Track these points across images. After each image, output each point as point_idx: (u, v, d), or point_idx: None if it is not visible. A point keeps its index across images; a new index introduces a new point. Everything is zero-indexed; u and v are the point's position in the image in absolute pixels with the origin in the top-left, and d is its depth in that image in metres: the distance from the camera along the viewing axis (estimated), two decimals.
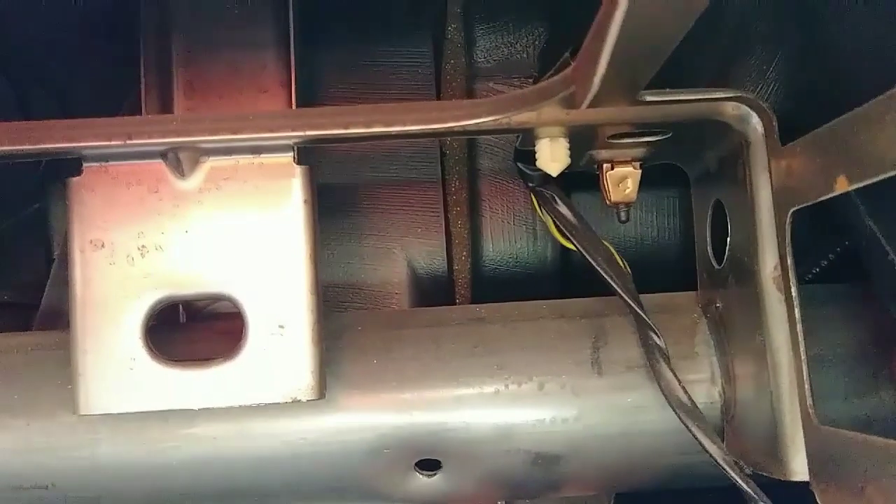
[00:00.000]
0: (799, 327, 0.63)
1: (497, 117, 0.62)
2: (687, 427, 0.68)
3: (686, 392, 0.69)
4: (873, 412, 0.73)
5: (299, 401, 0.66)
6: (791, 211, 0.62)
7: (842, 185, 0.55)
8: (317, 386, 0.66)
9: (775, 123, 0.65)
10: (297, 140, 0.65)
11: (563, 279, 0.90)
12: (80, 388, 0.66)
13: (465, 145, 0.88)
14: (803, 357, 0.62)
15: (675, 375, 0.69)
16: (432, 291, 0.87)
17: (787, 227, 0.63)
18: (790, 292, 0.63)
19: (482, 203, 0.90)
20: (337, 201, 0.86)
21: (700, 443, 0.67)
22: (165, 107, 0.79)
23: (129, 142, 0.63)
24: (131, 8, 0.81)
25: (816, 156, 0.59)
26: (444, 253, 0.87)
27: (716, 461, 0.67)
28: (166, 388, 0.66)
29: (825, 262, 0.84)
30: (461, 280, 0.88)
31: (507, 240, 0.90)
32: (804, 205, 0.61)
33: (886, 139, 0.50)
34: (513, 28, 0.89)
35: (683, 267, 0.80)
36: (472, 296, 0.88)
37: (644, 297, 0.73)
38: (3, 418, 0.71)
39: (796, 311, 0.63)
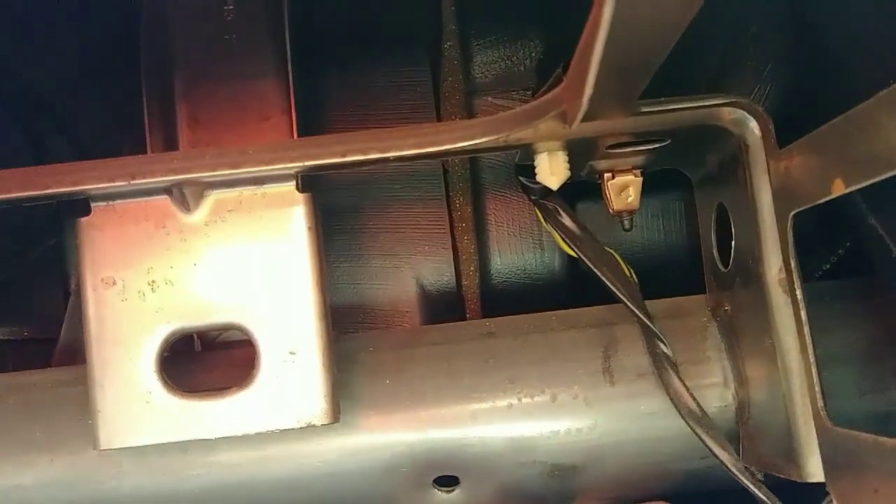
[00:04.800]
0: (807, 329, 0.63)
1: (492, 137, 0.63)
2: (697, 435, 0.68)
3: (695, 400, 0.69)
4: (890, 408, 0.72)
5: (314, 426, 0.67)
6: (792, 214, 0.62)
7: (838, 188, 0.54)
8: (330, 410, 0.67)
9: (772, 127, 0.65)
10: (296, 170, 0.66)
11: (573, 287, 0.90)
12: (100, 424, 0.67)
13: (467, 162, 0.89)
14: (812, 359, 0.62)
15: (684, 384, 0.70)
16: (442, 308, 0.87)
17: (789, 230, 0.63)
18: (796, 295, 0.63)
19: (487, 217, 0.90)
20: (343, 223, 0.87)
21: (710, 450, 0.67)
22: (170, 139, 0.80)
23: (132, 181, 0.64)
24: (132, 43, 0.82)
25: (813, 158, 0.59)
26: (452, 269, 0.88)
27: (726, 467, 0.67)
28: (183, 419, 0.67)
29: (835, 258, 0.84)
30: (470, 295, 0.88)
31: (513, 252, 0.90)
32: (804, 207, 0.60)
33: (880, 141, 0.50)
34: (508, 42, 0.89)
35: (694, 269, 0.80)
36: (482, 310, 0.88)
37: (653, 303, 0.73)
38: (28, 455, 0.72)
39: (803, 313, 0.63)
